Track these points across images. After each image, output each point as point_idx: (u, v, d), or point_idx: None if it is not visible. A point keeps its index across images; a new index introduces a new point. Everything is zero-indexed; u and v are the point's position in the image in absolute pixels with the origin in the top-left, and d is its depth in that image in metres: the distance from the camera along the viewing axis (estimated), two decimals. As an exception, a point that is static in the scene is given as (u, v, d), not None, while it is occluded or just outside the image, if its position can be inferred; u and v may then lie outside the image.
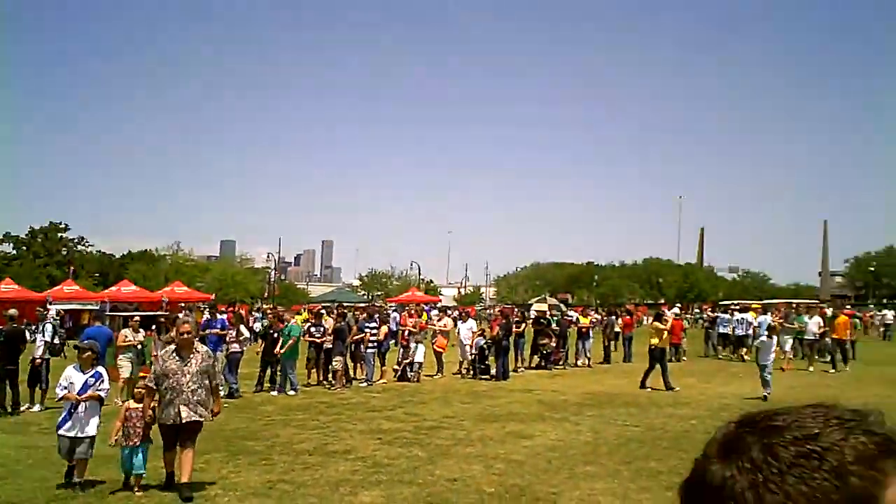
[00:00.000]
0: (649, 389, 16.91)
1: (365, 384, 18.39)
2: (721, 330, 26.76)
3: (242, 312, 25.72)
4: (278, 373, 17.41)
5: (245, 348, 17.70)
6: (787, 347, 21.83)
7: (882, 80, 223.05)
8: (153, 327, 18.10)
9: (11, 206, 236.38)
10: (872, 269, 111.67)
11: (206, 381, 8.38)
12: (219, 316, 18.85)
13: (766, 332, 17.15)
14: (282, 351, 17.15)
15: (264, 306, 54.83)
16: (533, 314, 30.67)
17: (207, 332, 17.36)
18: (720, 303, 61.21)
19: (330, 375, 18.28)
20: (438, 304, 54.98)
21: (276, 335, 17.81)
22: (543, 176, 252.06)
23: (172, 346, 8.49)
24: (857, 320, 45.88)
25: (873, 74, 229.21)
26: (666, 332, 18.14)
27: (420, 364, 19.68)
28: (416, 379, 19.32)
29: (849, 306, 59.77)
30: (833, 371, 20.71)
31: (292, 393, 16.71)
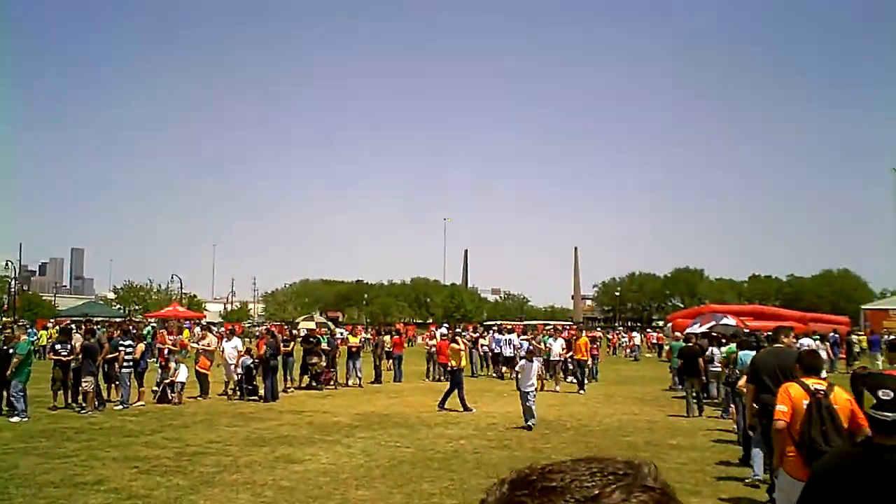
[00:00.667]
0: (444, 410, 16.88)
1: (120, 406, 17.02)
2: (496, 350, 27.91)
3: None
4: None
5: None
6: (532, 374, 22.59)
7: (627, 123, 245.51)
8: None
9: None
10: (618, 293, 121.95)
11: None
12: None
13: (525, 356, 17.92)
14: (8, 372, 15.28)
15: (4, 319, 49.56)
16: (302, 332, 30.17)
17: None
18: (484, 323, 63.92)
19: (80, 397, 16.73)
20: (202, 321, 52.67)
21: (12, 352, 15.97)
22: (310, 192, 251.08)
23: None
24: (607, 341, 49.85)
25: (622, 99, 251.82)
26: (462, 353, 18.53)
27: (182, 385, 18.57)
28: (177, 401, 18.19)
29: (599, 328, 64.65)
30: (582, 391, 21.87)
31: (15, 419, 14.86)
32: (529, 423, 14.46)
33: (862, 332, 40.45)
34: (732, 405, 15.07)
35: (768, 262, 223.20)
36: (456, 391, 17.35)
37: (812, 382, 5.97)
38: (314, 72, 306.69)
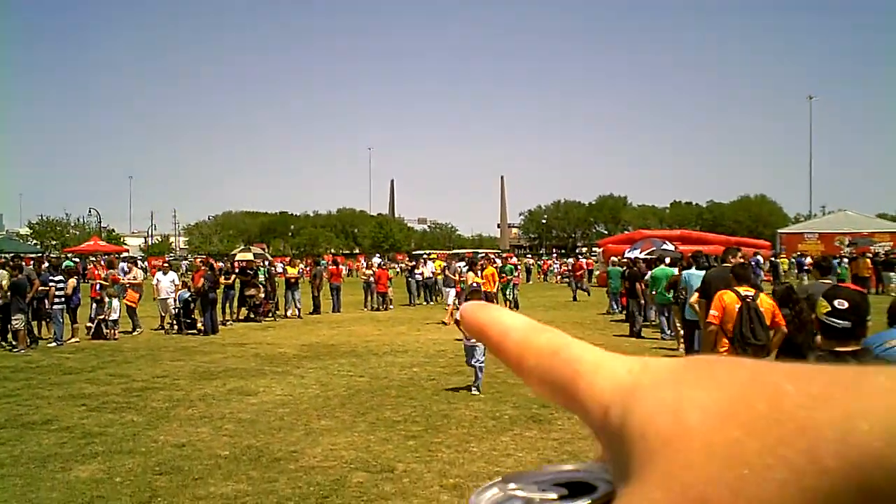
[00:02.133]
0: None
1: (54, 344, 16.47)
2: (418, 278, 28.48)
3: None
4: None
5: None
6: (450, 300, 21.58)
7: (556, 47, 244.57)
8: None
9: None
10: (544, 220, 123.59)
11: None
12: None
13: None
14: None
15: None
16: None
17: None
18: (413, 252, 64.01)
19: (9, 336, 16.10)
20: (125, 255, 51.21)
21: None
22: (230, 121, 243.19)
23: None
24: (537, 267, 50.65)
25: (546, 42, 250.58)
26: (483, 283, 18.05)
27: (116, 321, 18.04)
28: (113, 336, 17.69)
29: (529, 256, 65.49)
30: None
31: None
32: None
33: (783, 256, 42.12)
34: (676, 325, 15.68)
35: (689, 188, 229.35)
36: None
37: (743, 290, 7.23)
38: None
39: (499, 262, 27.68)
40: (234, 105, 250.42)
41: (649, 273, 18.41)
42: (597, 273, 38.98)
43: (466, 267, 21.61)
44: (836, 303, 3.44)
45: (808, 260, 32.28)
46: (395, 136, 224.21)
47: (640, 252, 25.46)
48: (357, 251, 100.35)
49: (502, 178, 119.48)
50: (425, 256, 37.47)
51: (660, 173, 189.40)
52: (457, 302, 20.26)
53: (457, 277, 21.64)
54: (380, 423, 8.93)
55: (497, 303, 22.28)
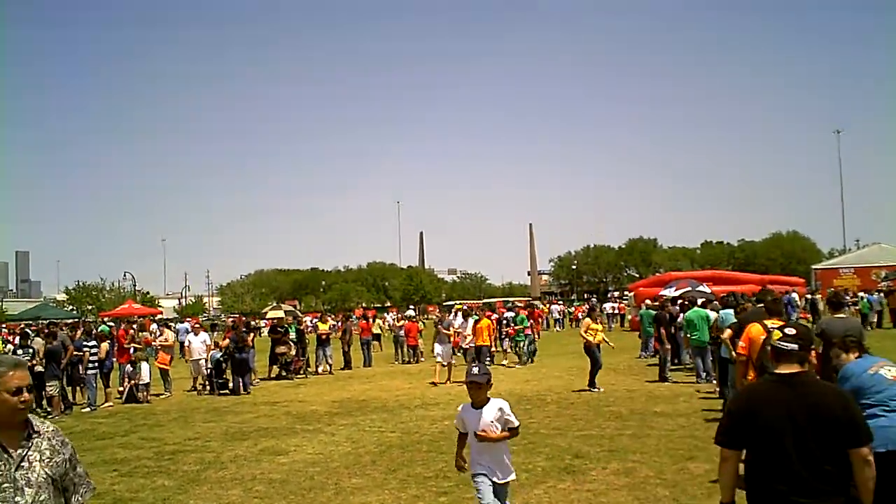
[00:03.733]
0: (599, 390, 15.69)
1: (88, 409, 16.57)
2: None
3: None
4: None
5: None
6: (442, 357, 19.29)
7: (579, 97, 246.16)
8: None
9: None
10: (574, 266, 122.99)
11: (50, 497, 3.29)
12: None
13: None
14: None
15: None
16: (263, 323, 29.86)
17: None
18: (443, 304, 63.87)
19: (44, 402, 16.22)
20: (158, 317, 51.70)
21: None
22: (260, 181, 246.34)
23: None
24: (568, 313, 50.16)
25: (571, 90, 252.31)
26: (599, 331, 16.76)
27: (147, 384, 18.13)
28: (145, 399, 17.76)
29: (560, 301, 65.07)
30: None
31: None
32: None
33: (818, 293, 41.41)
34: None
35: (719, 228, 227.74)
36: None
37: (771, 323, 7.78)
38: (253, 58, 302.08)
39: (510, 313, 26.70)
40: (263, 165, 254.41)
41: (681, 316, 18.18)
42: (629, 317, 38.54)
43: (460, 320, 20.73)
44: (786, 330, 4.08)
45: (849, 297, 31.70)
46: (422, 188, 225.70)
47: (675, 291, 25.19)
48: (388, 304, 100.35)
49: (531, 225, 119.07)
50: (455, 307, 37.36)
51: (689, 214, 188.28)
52: (452, 360, 19.10)
53: (451, 332, 19.91)
54: (411, 479, 8.80)
55: (497, 354, 21.05)
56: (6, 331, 45.05)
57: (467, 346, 19.91)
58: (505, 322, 24.91)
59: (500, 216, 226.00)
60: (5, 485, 3.11)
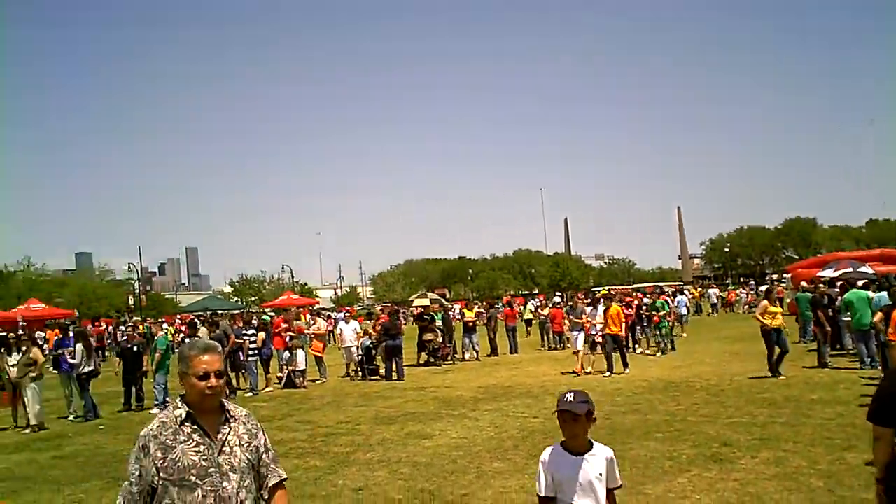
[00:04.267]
0: (783, 376, 14.85)
1: (250, 394, 17.58)
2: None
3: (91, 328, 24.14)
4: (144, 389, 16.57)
5: (87, 368, 15.65)
6: (579, 345, 18.50)
7: (723, 74, 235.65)
8: (1, 349, 15.55)
9: None
10: (727, 249, 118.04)
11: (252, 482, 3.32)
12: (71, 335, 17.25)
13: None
14: (153, 367, 16.20)
15: (136, 319, 52.10)
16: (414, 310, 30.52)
17: (61, 352, 16.17)
18: (591, 290, 63.02)
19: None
20: (315, 307, 53.98)
21: (135, 349, 16.74)
22: (408, 172, 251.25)
23: (181, 411, 3.21)
24: (721, 299, 48.16)
25: (716, 69, 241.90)
26: (779, 314, 15.75)
27: (303, 371, 19.03)
28: (302, 385, 18.64)
29: (714, 286, 62.72)
30: (607, 374, 17.99)
31: (155, 411, 15.61)
32: None
33: None
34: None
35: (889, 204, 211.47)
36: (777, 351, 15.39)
37: None
38: (394, 50, 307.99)
39: (649, 298, 25.29)
40: (411, 160, 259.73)
41: (839, 298, 17.15)
42: (787, 300, 36.65)
43: (591, 307, 19.11)
44: None
45: None
46: (566, 174, 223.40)
47: (835, 272, 23.66)
48: (536, 291, 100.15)
49: (679, 208, 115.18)
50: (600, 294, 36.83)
51: (852, 191, 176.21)
52: (586, 348, 18.35)
53: (583, 320, 18.73)
54: (552, 464, 8.79)
55: (635, 343, 20.28)
56: (179, 321, 48.53)
57: (597, 336, 18.50)
58: (645, 308, 23.84)
59: (647, 200, 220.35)
60: (211, 469, 3.07)
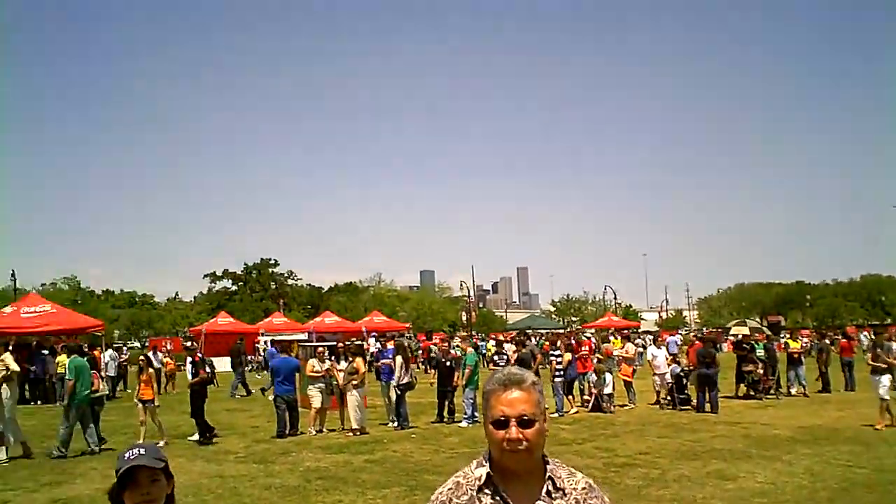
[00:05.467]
0: None
1: (555, 415, 17.60)
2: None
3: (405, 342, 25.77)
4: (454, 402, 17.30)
5: (405, 380, 16.57)
6: (882, 391, 14.75)
7: None
8: (332, 357, 17.22)
9: (232, 245, 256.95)
10: None
11: None
12: (388, 346, 18.57)
13: None
14: (463, 381, 16.91)
15: (462, 334, 55.29)
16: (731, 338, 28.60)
17: (380, 363, 17.52)
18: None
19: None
20: (635, 329, 53.02)
21: (448, 364, 17.52)
22: (742, 191, 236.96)
23: (481, 472, 2.18)
24: None
25: None
26: None
27: (611, 395, 18.61)
28: (609, 409, 18.26)
29: None
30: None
31: (463, 424, 16.23)
32: None
33: None
34: None
35: None
36: None
37: None
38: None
39: None
40: (749, 178, 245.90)
41: None
42: None
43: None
44: None
45: None
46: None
47: None
48: (888, 322, 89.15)
49: None
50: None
51: None
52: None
53: (891, 359, 15.24)
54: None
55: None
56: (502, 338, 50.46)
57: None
58: None
59: None
60: None
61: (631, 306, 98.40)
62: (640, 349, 29.36)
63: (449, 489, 2.23)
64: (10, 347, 23.49)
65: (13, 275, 60.05)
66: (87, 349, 25.68)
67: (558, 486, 2.17)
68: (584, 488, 2.22)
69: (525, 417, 2.09)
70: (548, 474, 2.17)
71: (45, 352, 25.24)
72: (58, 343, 26.31)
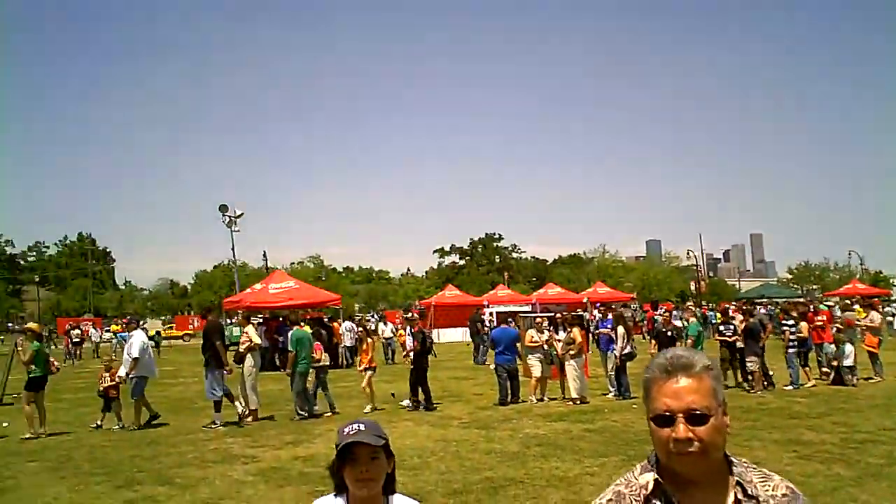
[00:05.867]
0: None
1: (790, 387, 16.58)
2: None
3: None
4: None
5: (627, 350, 16.33)
6: None
7: None
8: (551, 327, 17.04)
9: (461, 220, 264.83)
10: None
11: None
12: (608, 316, 18.26)
13: None
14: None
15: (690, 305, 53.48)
16: None
17: (598, 332, 17.42)
18: None
19: (750, 376, 16.78)
20: (885, 297, 48.51)
21: (669, 334, 16.99)
22: None
23: (647, 477, 1.77)
24: None
25: None
26: None
27: (853, 367, 17.19)
28: (851, 382, 16.90)
29: None
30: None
31: None
32: None
33: None
34: None
35: None
36: None
37: None
38: None
39: None
40: None
41: None
42: None
43: None
44: None
45: None
46: None
47: None
48: None
49: None
50: None
51: None
52: None
53: None
54: None
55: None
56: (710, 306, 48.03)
57: None
58: None
59: None
60: None
61: (881, 272, 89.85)
62: (890, 318, 26.86)
63: (609, 500, 1.83)
64: (260, 321, 25.91)
65: (264, 255, 65.76)
66: (327, 321, 27.88)
67: (749, 492, 1.74)
68: (784, 495, 1.77)
69: (696, 412, 1.68)
70: (735, 479, 1.75)
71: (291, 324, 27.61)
72: (304, 316, 28.66)
